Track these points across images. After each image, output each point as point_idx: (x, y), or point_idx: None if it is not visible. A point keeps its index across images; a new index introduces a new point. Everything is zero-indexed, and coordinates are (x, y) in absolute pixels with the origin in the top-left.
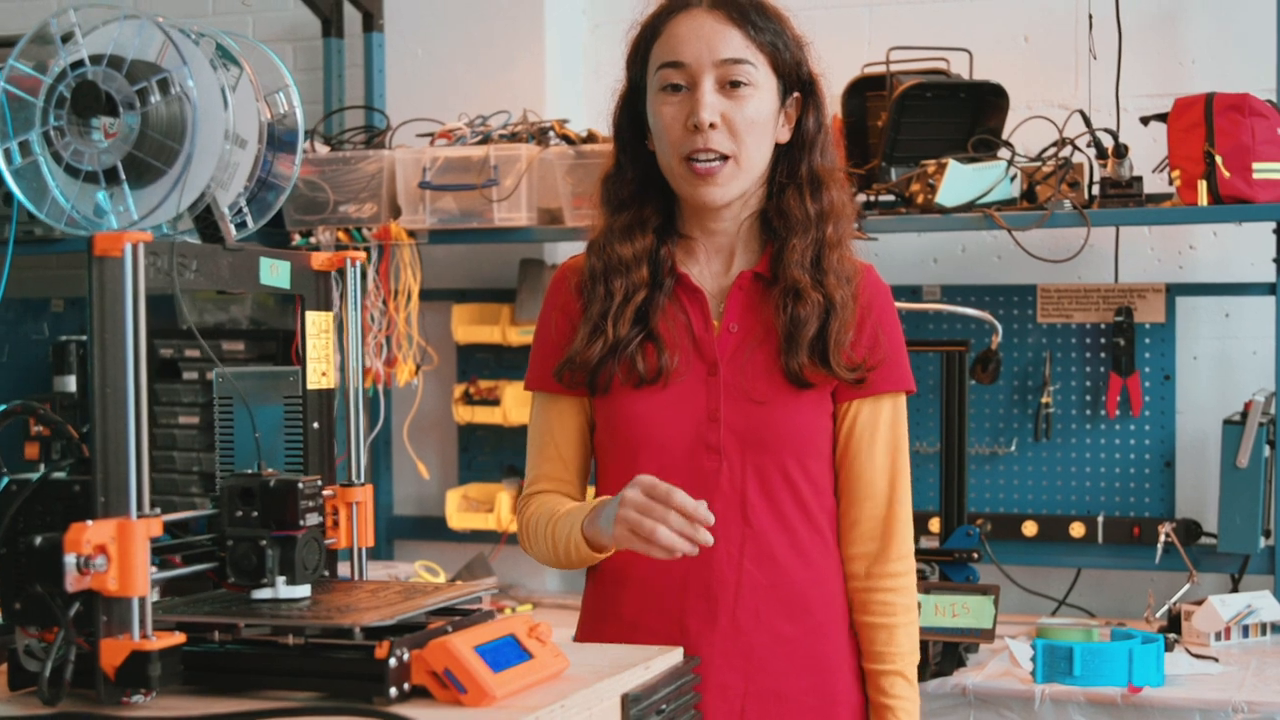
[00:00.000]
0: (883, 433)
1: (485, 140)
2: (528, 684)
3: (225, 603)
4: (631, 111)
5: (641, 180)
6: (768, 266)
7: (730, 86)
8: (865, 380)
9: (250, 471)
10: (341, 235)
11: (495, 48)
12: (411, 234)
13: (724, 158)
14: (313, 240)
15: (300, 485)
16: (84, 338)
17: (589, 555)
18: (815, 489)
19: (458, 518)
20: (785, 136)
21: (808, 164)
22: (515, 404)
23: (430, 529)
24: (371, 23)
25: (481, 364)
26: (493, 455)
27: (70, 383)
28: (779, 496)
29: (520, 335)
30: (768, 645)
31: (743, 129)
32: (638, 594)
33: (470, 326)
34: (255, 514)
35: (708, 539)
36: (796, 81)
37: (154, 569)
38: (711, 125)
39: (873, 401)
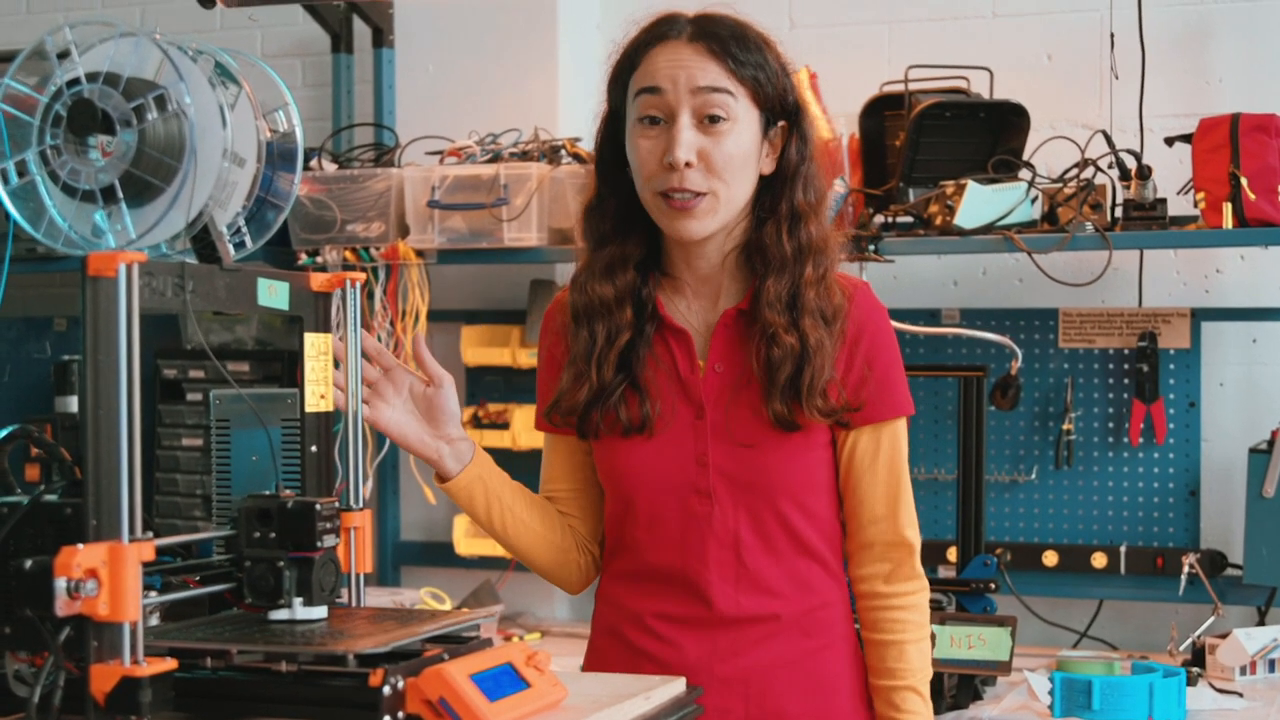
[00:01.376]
0: (882, 458)
1: (495, 159)
2: (524, 713)
3: (238, 624)
4: (612, 139)
5: (623, 212)
6: (750, 303)
7: (709, 122)
8: (861, 408)
9: (268, 493)
10: (349, 255)
11: (507, 64)
12: (420, 254)
13: (700, 195)
14: (319, 260)
15: (318, 507)
16: (80, 358)
17: (443, 489)
18: (813, 522)
19: (465, 544)
20: (769, 168)
21: (789, 199)
22: (525, 427)
23: (437, 555)
24: (382, 38)
25: (491, 387)
26: None
27: (72, 403)
28: (773, 535)
29: (530, 358)
30: (767, 669)
31: (720, 165)
32: (638, 623)
33: (479, 348)
34: (273, 535)
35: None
36: (781, 110)
37: (154, 593)
38: (688, 164)
39: (871, 429)
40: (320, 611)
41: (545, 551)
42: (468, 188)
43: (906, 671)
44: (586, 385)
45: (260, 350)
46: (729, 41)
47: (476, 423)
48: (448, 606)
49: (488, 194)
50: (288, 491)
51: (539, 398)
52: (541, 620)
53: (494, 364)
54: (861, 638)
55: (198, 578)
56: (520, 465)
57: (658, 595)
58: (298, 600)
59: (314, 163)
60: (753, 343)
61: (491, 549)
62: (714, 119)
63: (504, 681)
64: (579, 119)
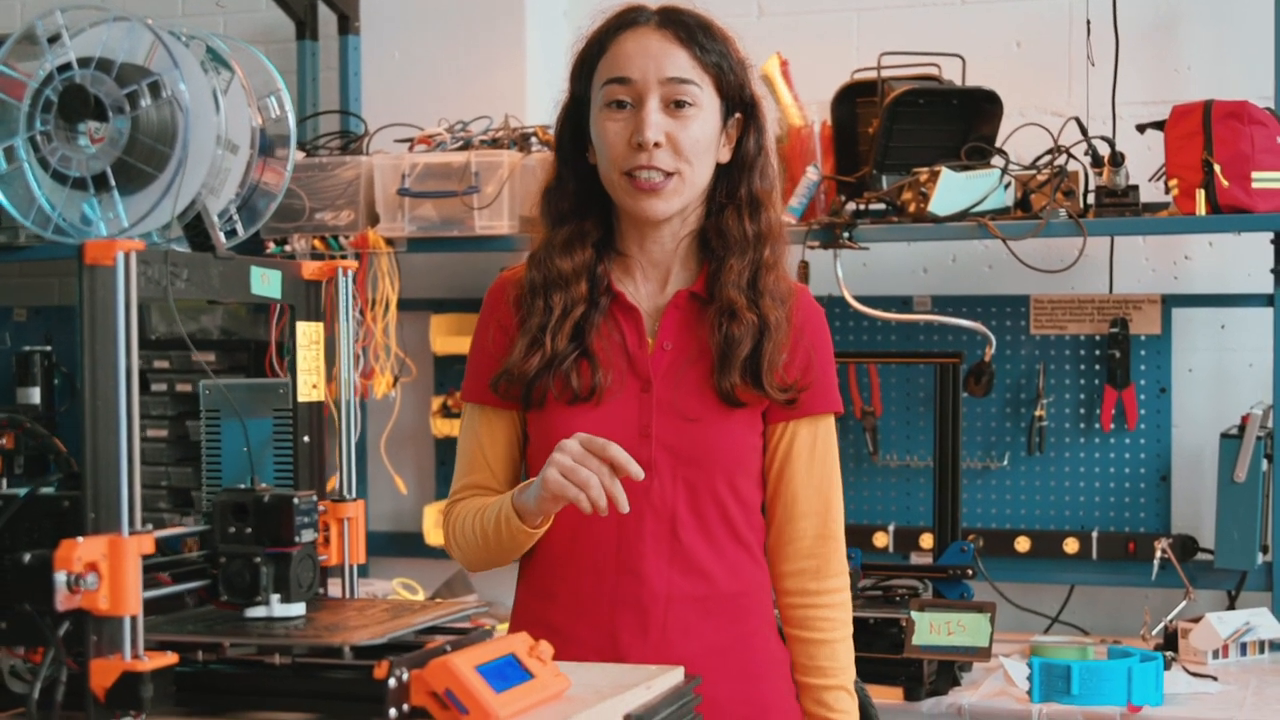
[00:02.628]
0: (818, 452)
1: (466, 146)
2: (530, 704)
3: (211, 621)
4: (573, 124)
5: (582, 194)
6: (704, 286)
7: (675, 106)
8: (796, 401)
9: (243, 486)
10: (318, 243)
11: (475, 51)
12: (390, 242)
13: (667, 175)
14: (288, 248)
15: (296, 501)
16: (48, 348)
17: (518, 529)
18: (743, 507)
19: (435, 533)
20: (726, 157)
21: (747, 185)
22: None
23: (407, 545)
24: (347, 25)
25: (459, 376)
26: None
27: (34, 394)
28: (707, 513)
29: None
30: (699, 655)
31: (687, 148)
32: (567, 606)
33: (448, 337)
34: (249, 530)
35: (625, 505)
36: (739, 103)
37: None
38: (656, 144)
39: (807, 422)
40: (298, 609)
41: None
42: (438, 175)
43: (837, 670)
44: (539, 353)
45: (226, 340)
46: (695, 31)
47: (446, 412)
48: (421, 597)
49: (458, 182)
50: (264, 485)
51: (475, 372)
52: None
53: (463, 353)
54: (783, 631)
55: (169, 575)
56: None
57: (589, 577)
58: (275, 597)
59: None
60: (706, 323)
61: None
62: (680, 104)
63: (508, 672)
64: (547, 106)
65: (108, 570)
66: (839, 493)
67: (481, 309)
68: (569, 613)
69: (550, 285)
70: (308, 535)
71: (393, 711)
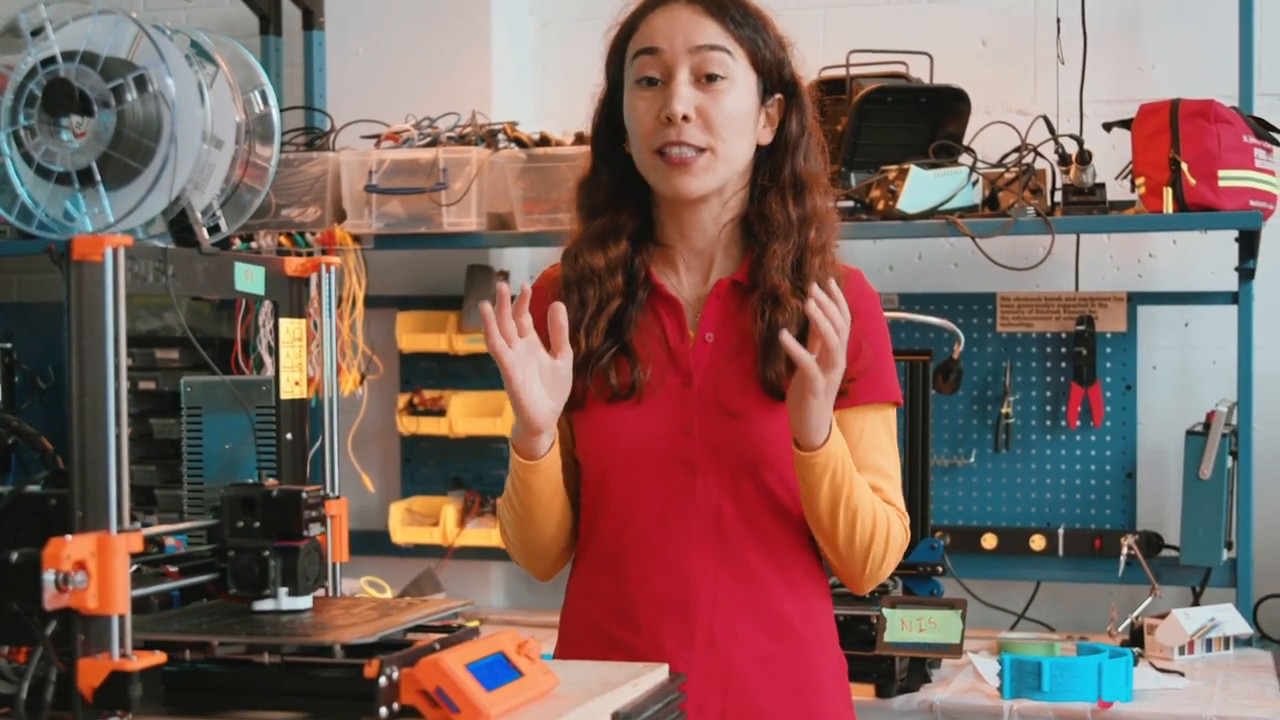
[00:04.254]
0: (867, 439)
1: (434, 143)
2: (520, 702)
3: (219, 615)
4: (609, 116)
5: (617, 186)
6: (747, 274)
7: (706, 80)
8: (846, 391)
9: (251, 481)
10: (284, 240)
11: (440, 47)
12: (357, 239)
13: (699, 150)
14: (254, 245)
15: (304, 496)
16: (8, 345)
17: (519, 464)
18: (796, 503)
19: (401, 532)
20: (767, 138)
21: (790, 167)
22: (461, 414)
23: (373, 543)
24: (311, 20)
25: (426, 373)
26: (437, 467)
27: None
28: (756, 510)
29: (467, 344)
30: (748, 664)
31: (719, 122)
32: (614, 612)
33: (415, 335)
34: (257, 524)
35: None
36: (779, 82)
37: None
38: (685, 118)
39: (857, 412)
40: (305, 601)
41: (550, 536)
42: (405, 172)
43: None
44: (575, 351)
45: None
46: (728, 4)
47: (412, 409)
48: (389, 595)
49: (426, 178)
50: (271, 480)
51: None
52: (479, 608)
53: (430, 350)
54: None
55: (178, 569)
56: (455, 452)
57: (634, 580)
58: (283, 590)
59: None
60: (748, 312)
61: (428, 537)
62: (711, 77)
63: (498, 670)
64: (515, 101)
65: (96, 569)
66: (898, 477)
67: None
68: (615, 620)
69: (583, 281)
70: (315, 529)
71: (383, 710)
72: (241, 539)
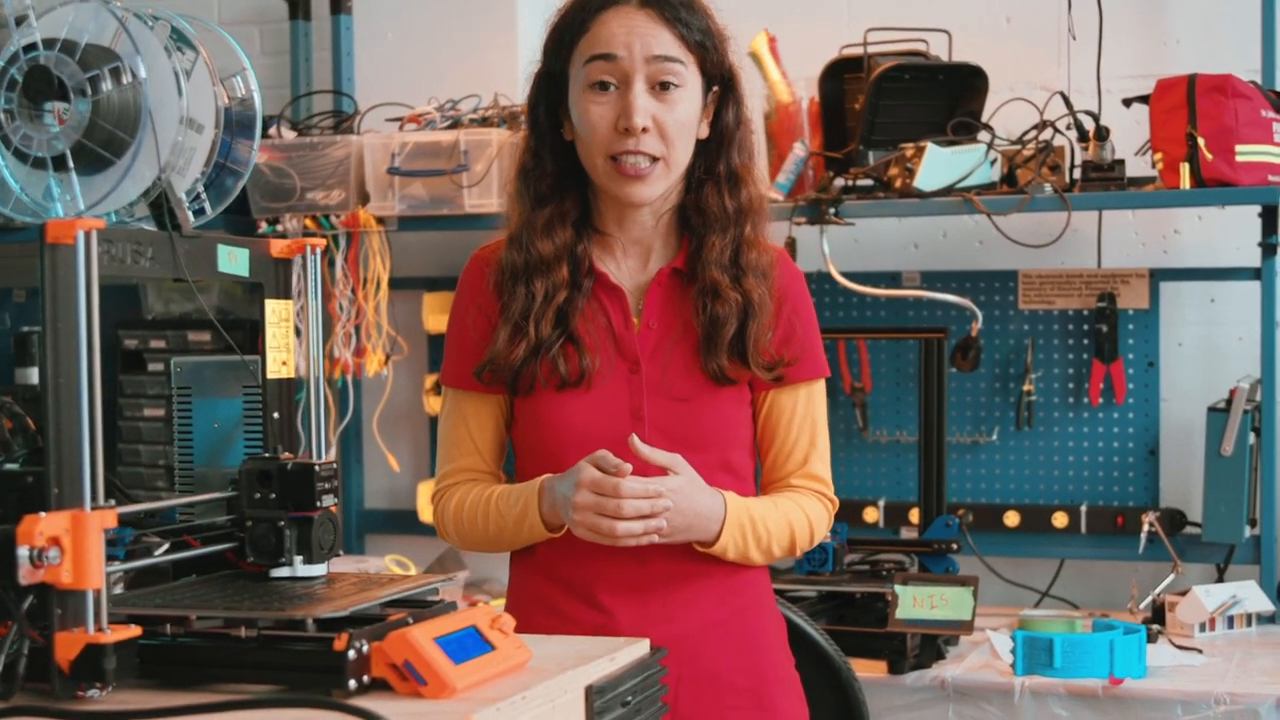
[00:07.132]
0: (799, 415)
1: (455, 125)
2: (489, 676)
3: (219, 586)
4: (548, 101)
5: (560, 173)
6: (685, 262)
7: (660, 88)
8: (782, 376)
9: (267, 455)
10: (309, 222)
11: (466, 30)
12: (380, 221)
13: (654, 160)
14: (279, 228)
15: (318, 468)
16: None
17: (542, 534)
18: (738, 480)
19: (429, 511)
20: (704, 132)
21: (726, 160)
22: None
23: (402, 522)
24: (340, 5)
25: None
26: None
27: (33, 374)
28: None
29: None
30: (699, 630)
31: (673, 132)
32: (566, 587)
33: (441, 315)
34: (273, 496)
35: (662, 523)
36: (718, 77)
37: (115, 563)
38: (644, 129)
39: (791, 390)
40: (320, 569)
41: None
42: (428, 154)
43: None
44: (524, 341)
45: (221, 319)
46: (679, 7)
47: (439, 390)
48: (413, 573)
49: (448, 160)
50: (286, 454)
51: (456, 357)
52: (501, 586)
53: None
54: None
55: (198, 539)
56: None
57: (586, 558)
58: (298, 558)
59: (273, 130)
60: (689, 301)
61: None
62: (666, 85)
63: (468, 644)
64: None
65: (70, 545)
66: (826, 450)
67: (457, 291)
68: (568, 595)
69: (531, 270)
70: (328, 500)
71: (352, 683)
72: (258, 510)
